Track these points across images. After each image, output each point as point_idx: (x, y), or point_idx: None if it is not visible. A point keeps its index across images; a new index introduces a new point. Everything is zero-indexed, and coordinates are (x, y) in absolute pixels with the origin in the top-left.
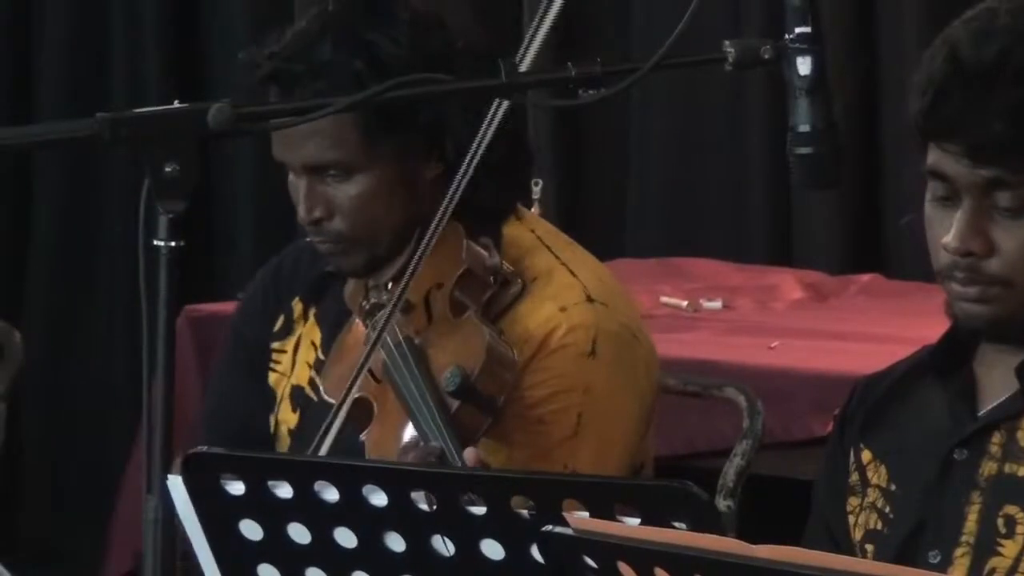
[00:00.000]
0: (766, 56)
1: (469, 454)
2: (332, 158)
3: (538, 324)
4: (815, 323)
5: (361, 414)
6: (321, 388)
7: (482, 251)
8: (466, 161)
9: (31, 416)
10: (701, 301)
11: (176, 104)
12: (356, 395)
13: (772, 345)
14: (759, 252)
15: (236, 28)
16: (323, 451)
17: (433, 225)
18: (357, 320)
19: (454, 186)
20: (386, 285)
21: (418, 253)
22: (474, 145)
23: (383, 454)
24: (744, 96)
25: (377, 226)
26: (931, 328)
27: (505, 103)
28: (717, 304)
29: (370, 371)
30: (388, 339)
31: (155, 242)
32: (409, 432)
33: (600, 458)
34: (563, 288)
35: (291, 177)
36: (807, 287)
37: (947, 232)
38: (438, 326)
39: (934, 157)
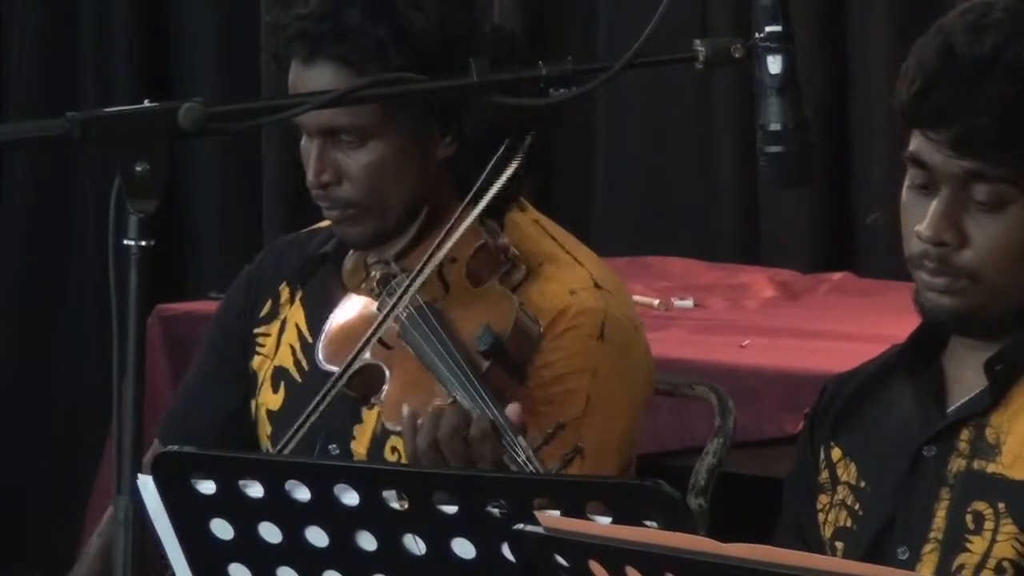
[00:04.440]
0: (737, 55)
1: (512, 410)
2: (348, 122)
3: (549, 305)
4: (786, 321)
5: (367, 382)
6: (320, 356)
7: (493, 232)
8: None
9: (1, 417)
10: (673, 300)
11: (147, 103)
12: (364, 362)
13: (743, 344)
14: (729, 251)
15: (204, 28)
16: (317, 415)
17: (465, 201)
18: (355, 295)
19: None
20: (387, 261)
21: (446, 228)
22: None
23: (401, 414)
24: (713, 94)
25: (385, 196)
26: (902, 326)
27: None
28: (689, 303)
29: (380, 339)
30: (409, 305)
31: (125, 241)
32: (439, 391)
33: (605, 441)
34: (571, 273)
35: (303, 142)
36: (779, 286)
37: (922, 220)
38: (457, 295)
39: (916, 144)
